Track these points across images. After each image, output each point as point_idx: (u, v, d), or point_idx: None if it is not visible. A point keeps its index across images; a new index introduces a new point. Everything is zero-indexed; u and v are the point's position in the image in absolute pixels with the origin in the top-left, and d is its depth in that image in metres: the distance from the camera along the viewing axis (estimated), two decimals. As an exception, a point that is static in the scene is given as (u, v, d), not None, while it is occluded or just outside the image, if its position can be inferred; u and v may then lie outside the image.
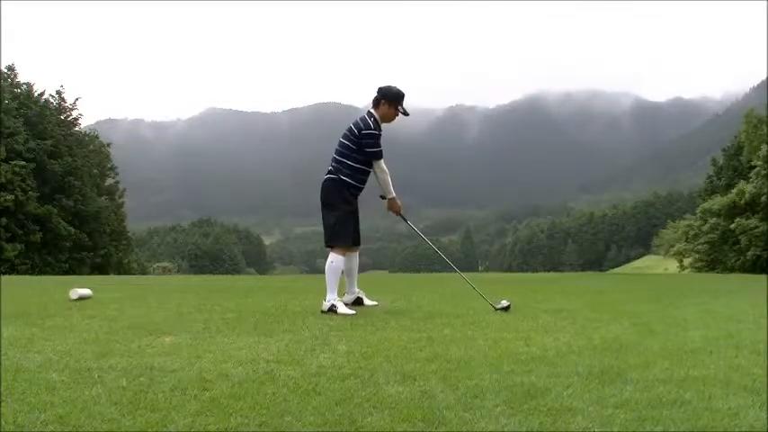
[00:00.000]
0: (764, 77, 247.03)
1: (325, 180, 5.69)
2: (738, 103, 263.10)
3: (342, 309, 5.36)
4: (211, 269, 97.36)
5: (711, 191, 37.75)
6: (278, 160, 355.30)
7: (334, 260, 5.51)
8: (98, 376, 2.89)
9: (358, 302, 5.89)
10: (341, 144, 5.67)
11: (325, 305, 5.42)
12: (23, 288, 8.91)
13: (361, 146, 5.56)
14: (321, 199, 5.70)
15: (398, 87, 5.68)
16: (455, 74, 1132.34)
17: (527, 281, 12.79)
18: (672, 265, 47.15)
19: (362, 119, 5.65)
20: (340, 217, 5.58)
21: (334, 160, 5.67)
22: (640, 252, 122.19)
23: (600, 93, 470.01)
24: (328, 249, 5.61)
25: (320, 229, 5.84)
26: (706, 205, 34.76)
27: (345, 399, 2.52)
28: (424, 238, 6.43)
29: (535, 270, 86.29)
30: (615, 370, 3.10)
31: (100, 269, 35.77)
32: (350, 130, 5.64)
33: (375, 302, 6.05)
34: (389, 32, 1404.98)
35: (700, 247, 35.00)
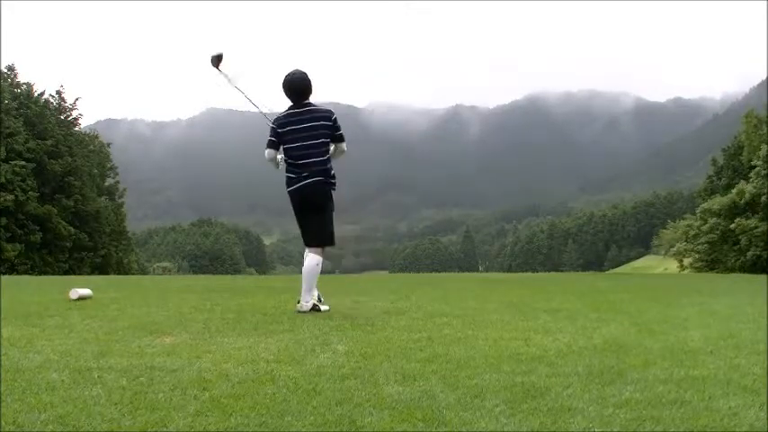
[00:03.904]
0: (764, 77, 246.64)
1: None
2: (738, 103, 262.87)
3: (323, 307, 5.34)
4: (211, 269, 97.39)
5: (711, 191, 37.72)
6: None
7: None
8: (98, 376, 2.89)
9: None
10: None
11: (306, 306, 5.26)
12: (23, 288, 8.89)
13: None
14: None
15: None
16: (455, 74, 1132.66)
17: (527, 281, 12.78)
18: (672, 265, 47.11)
19: None
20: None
21: None
22: (640, 252, 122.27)
23: (600, 93, 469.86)
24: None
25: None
26: (706, 205, 34.69)
27: (345, 399, 2.52)
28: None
29: (535, 270, 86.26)
30: (615, 370, 3.10)
31: (100, 269, 35.77)
32: None
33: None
34: (389, 32, 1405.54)
35: (700, 247, 34.93)
